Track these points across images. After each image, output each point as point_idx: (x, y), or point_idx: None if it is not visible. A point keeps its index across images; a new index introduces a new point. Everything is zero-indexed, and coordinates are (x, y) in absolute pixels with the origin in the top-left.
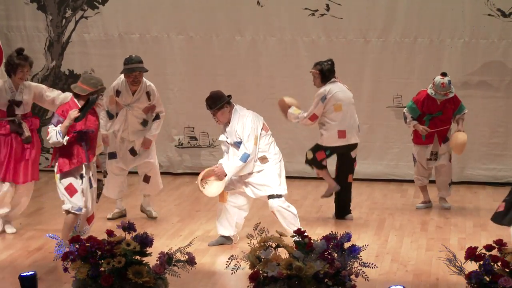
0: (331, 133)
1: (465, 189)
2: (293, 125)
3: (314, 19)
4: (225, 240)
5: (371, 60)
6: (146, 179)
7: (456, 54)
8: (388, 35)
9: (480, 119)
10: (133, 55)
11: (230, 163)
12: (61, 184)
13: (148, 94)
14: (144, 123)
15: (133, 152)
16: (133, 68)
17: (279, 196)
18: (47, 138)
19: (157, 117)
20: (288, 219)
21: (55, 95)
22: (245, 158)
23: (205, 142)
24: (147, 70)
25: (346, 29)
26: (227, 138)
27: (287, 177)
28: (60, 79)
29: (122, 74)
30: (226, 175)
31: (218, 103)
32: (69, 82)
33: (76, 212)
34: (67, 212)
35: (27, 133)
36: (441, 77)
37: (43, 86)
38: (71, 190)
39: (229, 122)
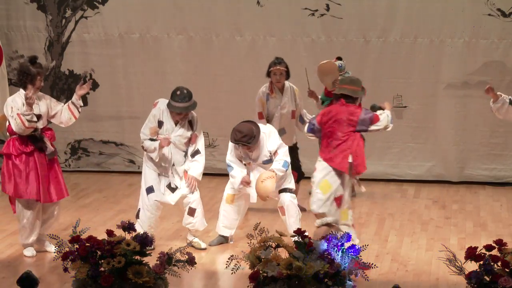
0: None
1: (465, 189)
2: None
3: (314, 19)
4: (224, 240)
5: (371, 60)
6: (191, 212)
7: (456, 54)
8: (388, 35)
9: (480, 119)
10: (184, 90)
11: (275, 168)
12: (331, 193)
13: (190, 123)
14: (186, 155)
15: (171, 188)
16: (188, 107)
17: (291, 190)
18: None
19: (197, 151)
20: (294, 217)
21: (58, 109)
22: (287, 166)
23: (205, 142)
24: (196, 104)
25: (346, 29)
26: (251, 160)
27: None
28: (60, 79)
29: (162, 107)
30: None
31: (254, 138)
32: (68, 82)
33: (334, 224)
34: (327, 225)
35: (50, 147)
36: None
37: (52, 98)
38: (340, 200)
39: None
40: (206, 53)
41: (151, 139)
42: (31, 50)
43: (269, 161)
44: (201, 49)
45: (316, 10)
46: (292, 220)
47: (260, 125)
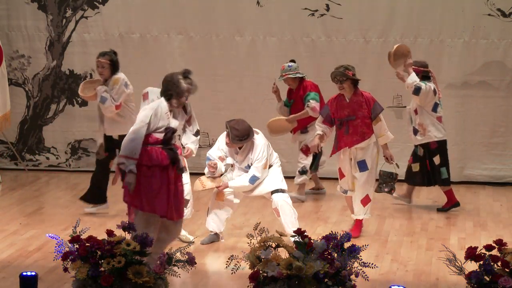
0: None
1: (465, 189)
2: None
3: (314, 19)
4: (215, 237)
5: (371, 60)
6: (185, 202)
7: (456, 54)
8: (388, 35)
9: (480, 119)
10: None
11: (237, 181)
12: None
13: (184, 108)
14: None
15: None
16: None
17: (283, 191)
18: None
19: (197, 133)
20: (289, 216)
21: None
22: (253, 181)
23: (205, 142)
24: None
25: (346, 29)
26: (235, 162)
27: (287, 177)
28: (60, 79)
29: (154, 95)
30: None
31: (245, 138)
32: (69, 82)
33: (342, 194)
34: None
35: (183, 162)
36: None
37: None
38: (340, 173)
39: (240, 148)
40: (206, 53)
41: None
42: (31, 50)
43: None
44: (201, 49)
45: (316, 10)
46: (288, 219)
47: (256, 135)
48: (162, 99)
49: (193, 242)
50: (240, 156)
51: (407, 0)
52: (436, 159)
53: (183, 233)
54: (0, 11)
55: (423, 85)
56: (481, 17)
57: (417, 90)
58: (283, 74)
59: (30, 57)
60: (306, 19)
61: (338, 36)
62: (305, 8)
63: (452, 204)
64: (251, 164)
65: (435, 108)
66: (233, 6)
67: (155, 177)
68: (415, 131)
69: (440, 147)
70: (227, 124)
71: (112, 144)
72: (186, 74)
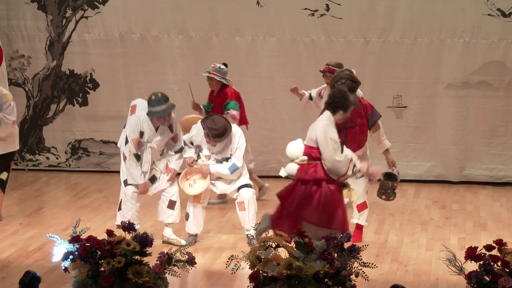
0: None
1: (465, 189)
2: (293, 127)
3: (314, 19)
4: (194, 239)
5: (371, 60)
6: (171, 204)
7: (456, 54)
8: (388, 35)
9: (480, 119)
10: (159, 94)
11: (217, 167)
12: None
13: (170, 127)
14: (162, 152)
15: (153, 179)
16: (166, 109)
17: (251, 186)
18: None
19: (180, 150)
20: (252, 212)
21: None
22: (233, 170)
23: None
24: (174, 105)
25: (346, 29)
26: (212, 153)
27: (286, 178)
28: (60, 79)
29: (142, 115)
30: (210, 172)
31: (220, 137)
32: (69, 82)
33: None
34: None
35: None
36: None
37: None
38: None
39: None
40: (206, 53)
41: (137, 155)
42: (31, 50)
43: (228, 160)
44: (201, 49)
45: (316, 10)
46: (251, 215)
47: (233, 125)
48: (328, 112)
49: (185, 245)
50: (217, 147)
51: (407, 0)
52: None
53: (174, 237)
54: (0, 11)
55: None
56: (481, 17)
57: None
58: (211, 72)
59: (30, 57)
60: (306, 19)
61: (338, 36)
62: (305, 8)
63: None
64: (231, 155)
65: None
66: (233, 6)
67: (335, 191)
68: None
69: None
70: (203, 125)
71: None
72: (353, 88)
